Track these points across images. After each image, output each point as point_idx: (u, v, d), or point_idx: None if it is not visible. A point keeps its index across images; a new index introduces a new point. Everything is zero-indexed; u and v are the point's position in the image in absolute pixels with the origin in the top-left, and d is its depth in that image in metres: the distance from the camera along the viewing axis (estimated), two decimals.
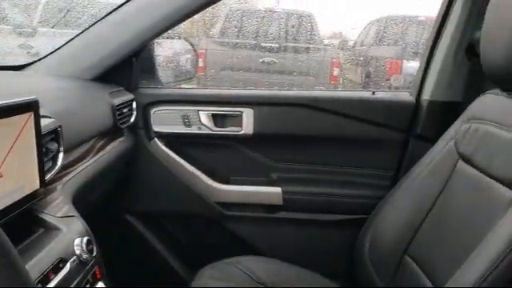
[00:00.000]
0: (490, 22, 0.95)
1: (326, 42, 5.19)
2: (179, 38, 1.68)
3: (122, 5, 1.26)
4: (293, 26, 4.75)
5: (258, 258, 1.33)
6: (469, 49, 1.32)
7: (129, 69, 1.35)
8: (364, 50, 5.14)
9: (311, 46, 4.95)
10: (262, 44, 4.64)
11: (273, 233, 1.46)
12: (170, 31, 1.33)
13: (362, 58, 5.11)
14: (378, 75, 4.47)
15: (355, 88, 5.18)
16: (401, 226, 1.16)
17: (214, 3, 1.26)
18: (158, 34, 1.30)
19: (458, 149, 1.09)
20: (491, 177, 0.94)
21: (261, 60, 4.61)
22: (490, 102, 1.08)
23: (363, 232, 1.28)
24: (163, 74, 1.58)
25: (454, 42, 1.35)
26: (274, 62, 4.64)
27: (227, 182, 1.46)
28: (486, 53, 0.97)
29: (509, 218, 0.81)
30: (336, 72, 4.91)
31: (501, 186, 0.90)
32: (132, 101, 1.35)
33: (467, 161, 1.05)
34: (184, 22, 1.33)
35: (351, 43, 5.42)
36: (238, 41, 4.73)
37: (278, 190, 1.44)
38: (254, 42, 4.64)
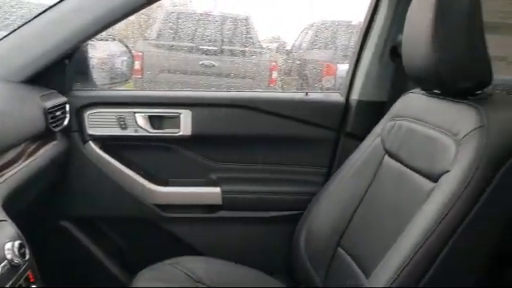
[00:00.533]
0: (410, 26, 1.03)
1: (264, 45, 5.28)
2: (113, 39, 1.66)
3: (54, 5, 1.23)
4: (230, 30, 4.79)
5: (198, 257, 1.34)
6: (393, 51, 1.41)
7: (61, 71, 1.31)
8: (301, 53, 5.27)
9: (250, 49, 5.02)
10: (201, 47, 4.64)
11: (213, 232, 1.48)
12: (103, 33, 1.31)
13: (299, 62, 5.24)
14: (315, 78, 4.62)
15: (293, 90, 5.32)
16: (333, 220, 1.22)
17: (149, 5, 1.27)
18: (92, 36, 1.28)
19: (384, 145, 1.17)
20: (414, 170, 1.02)
21: (200, 63, 4.61)
22: (411, 100, 1.17)
23: (299, 227, 1.33)
24: (98, 76, 1.55)
25: (379, 45, 1.44)
26: (213, 65, 4.65)
27: (166, 184, 1.46)
28: (406, 55, 1.05)
29: (425, 208, 0.88)
30: (274, 75, 5.00)
31: (422, 178, 0.98)
32: (65, 103, 1.32)
33: (392, 156, 1.13)
34: (118, 24, 1.32)
35: (289, 47, 5.54)
36: (176, 43, 4.71)
37: (217, 189, 1.46)
38: (193, 44, 4.64)
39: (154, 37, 4.71)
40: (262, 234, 1.49)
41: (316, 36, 4.95)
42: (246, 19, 4.90)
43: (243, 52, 5.03)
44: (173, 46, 4.69)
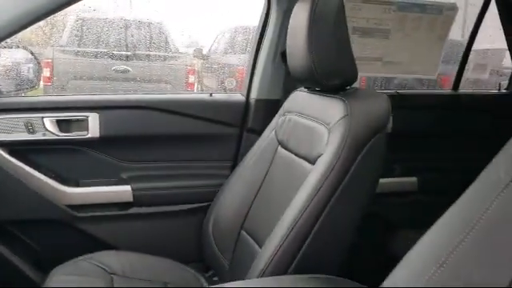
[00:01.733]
0: (291, 35, 1.21)
1: (182, 50, 5.34)
2: (18, 47, 1.67)
3: None
4: (145, 35, 4.80)
5: (111, 252, 1.41)
6: (283, 55, 1.58)
7: None
8: (217, 58, 5.41)
9: (166, 54, 5.05)
10: (114, 52, 4.60)
11: (126, 229, 1.55)
12: (8, 40, 1.34)
13: (215, 66, 5.38)
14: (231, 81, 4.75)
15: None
16: (237, 207, 1.36)
17: (62, 9, 1.30)
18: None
19: (278, 137, 1.33)
20: (299, 156, 1.19)
21: (113, 68, 4.57)
22: (297, 97, 1.35)
23: (207, 217, 1.46)
24: (3, 83, 1.57)
25: (271, 51, 1.61)
26: (128, 70, 4.63)
27: (77, 185, 1.52)
28: (290, 59, 1.22)
29: (302, 187, 1.05)
30: (191, 79, 5.08)
31: (304, 162, 1.15)
32: None
33: (284, 146, 1.30)
34: (23, 32, 1.35)
35: (205, 52, 5.66)
36: (87, 49, 4.62)
37: (127, 188, 1.54)
38: (105, 50, 4.59)
39: (64, 43, 4.61)
40: (175, 227, 1.59)
41: (232, 41, 5.10)
42: (161, 24, 4.94)
43: (159, 56, 5.05)
44: (84, 52, 4.62)
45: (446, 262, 0.48)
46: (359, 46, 1.65)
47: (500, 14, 1.78)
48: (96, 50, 4.52)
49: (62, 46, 4.57)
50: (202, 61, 5.50)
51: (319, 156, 1.08)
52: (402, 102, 1.71)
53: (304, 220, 1.01)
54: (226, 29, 5.20)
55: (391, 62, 1.72)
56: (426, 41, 1.71)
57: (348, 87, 1.17)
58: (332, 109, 1.12)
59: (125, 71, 4.59)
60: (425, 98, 1.89)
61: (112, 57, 4.52)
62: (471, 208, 0.60)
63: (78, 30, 4.49)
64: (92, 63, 4.54)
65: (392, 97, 1.17)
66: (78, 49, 4.58)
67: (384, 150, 1.08)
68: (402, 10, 1.65)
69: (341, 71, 1.14)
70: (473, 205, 0.60)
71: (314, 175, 1.05)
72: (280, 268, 1.01)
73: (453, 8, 1.69)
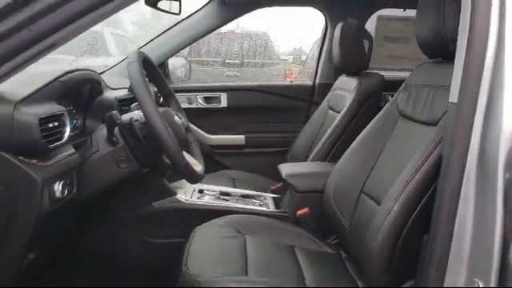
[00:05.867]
0: (333, 45, 2.25)
1: (284, 57, 6.35)
2: (178, 56, 2.87)
3: (162, 33, 2.45)
4: (251, 45, 5.84)
5: (233, 171, 2.54)
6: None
7: None
8: (313, 63, 6.35)
9: (268, 61, 6.05)
10: (227, 61, 5.71)
11: (241, 159, 2.71)
12: None
13: (311, 71, 6.35)
14: None
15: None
16: (304, 146, 2.43)
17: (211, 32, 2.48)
18: (176, 52, 2.51)
19: (329, 103, 2.38)
20: (335, 111, 2.23)
21: (225, 74, 5.69)
22: (339, 80, 2.40)
23: (288, 152, 2.54)
24: (174, 77, 2.77)
25: (327, 54, 2.70)
26: (236, 75, 5.73)
27: (215, 134, 2.69)
28: (334, 58, 2.27)
29: (331, 125, 2.08)
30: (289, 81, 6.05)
31: (337, 114, 2.18)
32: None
33: (331, 109, 2.35)
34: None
35: (304, 58, 6.66)
36: (204, 59, 5.76)
37: (242, 137, 2.72)
38: (219, 59, 5.70)
39: (185, 54, 5.76)
40: (268, 160, 2.68)
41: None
42: (265, 35, 5.95)
43: (263, 63, 6.04)
44: (202, 61, 5.76)
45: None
46: (389, 49, 2.61)
47: None
48: (211, 58, 5.67)
49: (183, 56, 5.77)
50: (300, 66, 6.52)
51: (343, 108, 2.10)
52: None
53: (329, 142, 2.05)
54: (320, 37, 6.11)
55: (413, 58, 2.62)
56: None
57: (363, 71, 2.18)
58: (352, 83, 2.15)
59: (234, 76, 5.69)
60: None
61: (224, 64, 5.60)
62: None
63: (196, 43, 5.59)
64: (208, 70, 5.69)
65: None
66: (197, 58, 5.76)
67: (377, 106, 2.06)
68: None
69: (358, 63, 2.17)
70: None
71: (338, 118, 2.10)
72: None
73: None
